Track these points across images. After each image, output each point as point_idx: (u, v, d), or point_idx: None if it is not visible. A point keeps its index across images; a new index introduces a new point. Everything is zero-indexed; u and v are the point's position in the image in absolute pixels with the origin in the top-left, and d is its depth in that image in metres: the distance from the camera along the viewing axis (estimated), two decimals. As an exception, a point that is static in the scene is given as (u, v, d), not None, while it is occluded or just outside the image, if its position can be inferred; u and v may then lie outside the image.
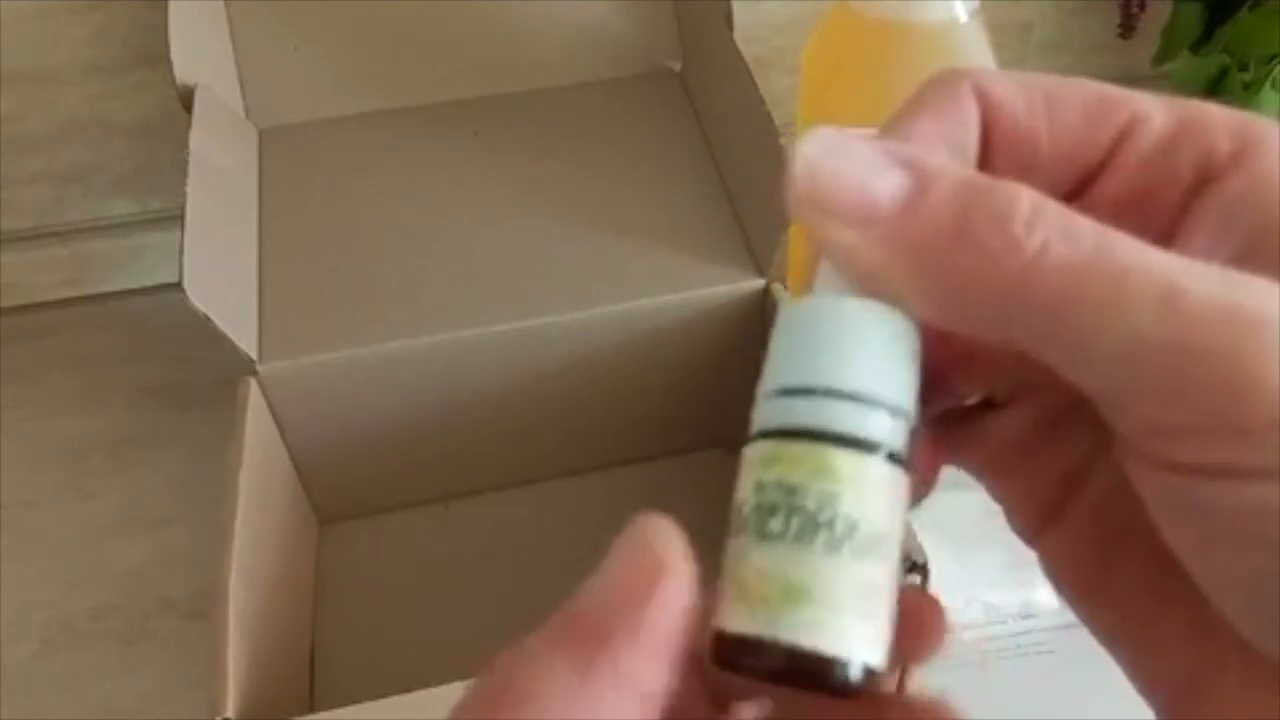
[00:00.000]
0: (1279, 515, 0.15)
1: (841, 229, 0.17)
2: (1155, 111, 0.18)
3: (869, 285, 0.18)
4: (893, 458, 0.18)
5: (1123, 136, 0.18)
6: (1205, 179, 0.18)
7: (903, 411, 0.18)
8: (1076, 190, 0.19)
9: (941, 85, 0.19)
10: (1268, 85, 0.58)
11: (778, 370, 0.19)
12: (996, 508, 0.21)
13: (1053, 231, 0.16)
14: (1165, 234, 0.18)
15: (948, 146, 0.19)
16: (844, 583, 0.17)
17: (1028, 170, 0.19)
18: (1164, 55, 0.63)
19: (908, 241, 0.17)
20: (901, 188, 0.17)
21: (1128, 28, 0.68)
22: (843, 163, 0.17)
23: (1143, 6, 0.67)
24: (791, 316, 0.19)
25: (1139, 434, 0.16)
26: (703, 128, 0.57)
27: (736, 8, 0.54)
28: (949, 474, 0.21)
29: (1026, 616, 0.47)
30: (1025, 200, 0.16)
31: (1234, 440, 0.15)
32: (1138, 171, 0.18)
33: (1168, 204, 0.18)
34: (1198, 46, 0.61)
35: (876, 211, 0.17)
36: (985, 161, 0.19)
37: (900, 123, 0.19)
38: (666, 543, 0.17)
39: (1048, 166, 0.19)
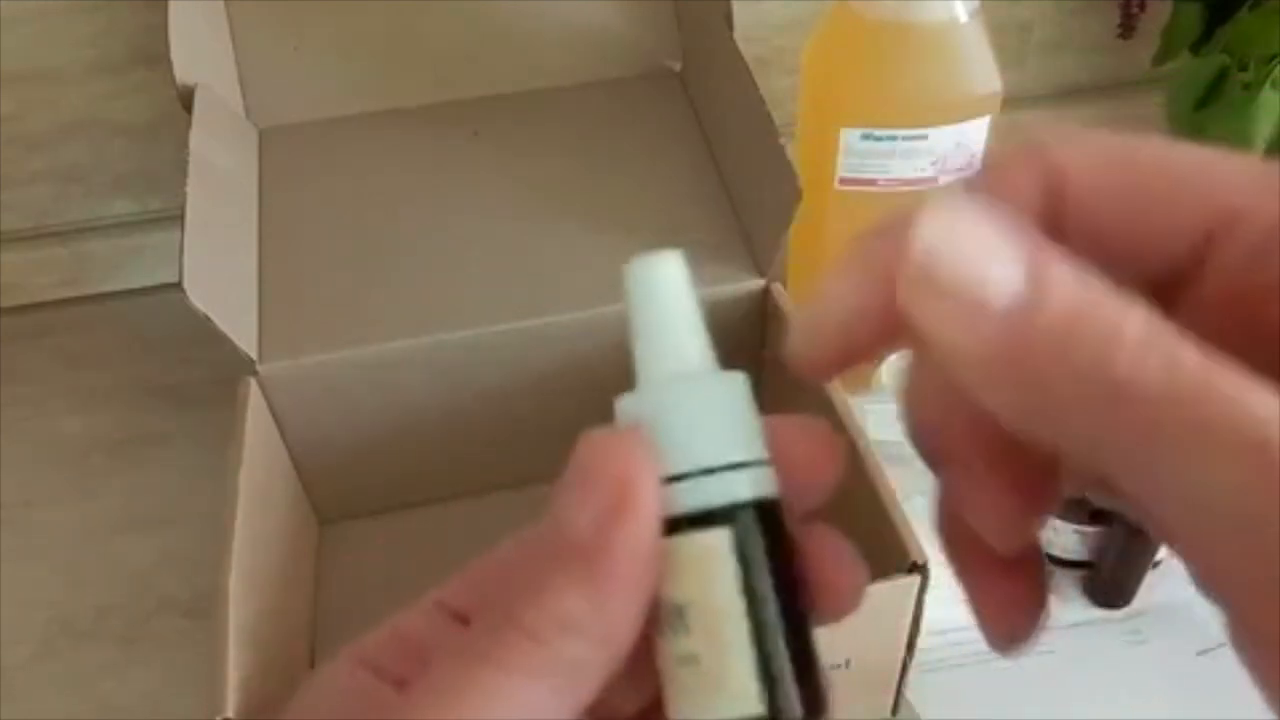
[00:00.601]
0: None
1: (948, 320, 0.16)
2: (1256, 201, 0.17)
3: (956, 375, 0.17)
4: (735, 512, 0.18)
5: (1221, 230, 0.17)
6: None
7: (723, 465, 0.18)
8: (1169, 282, 0.18)
9: (1009, 159, 0.18)
10: (1268, 85, 0.58)
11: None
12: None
13: (1155, 364, 0.15)
14: (1273, 339, 0.17)
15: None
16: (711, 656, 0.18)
17: (1106, 254, 0.18)
18: (1164, 55, 0.63)
19: (1012, 349, 0.16)
20: (1018, 287, 0.16)
21: (1128, 28, 0.68)
22: (963, 248, 0.16)
23: (1143, 6, 0.67)
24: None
25: (1205, 576, 0.16)
26: (703, 128, 0.57)
27: (736, 8, 0.54)
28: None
29: (1026, 616, 0.47)
30: (1135, 324, 0.15)
31: None
32: (1240, 273, 0.17)
33: (1275, 309, 0.17)
34: (1198, 46, 0.61)
35: (988, 311, 0.16)
36: (1064, 240, 0.18)
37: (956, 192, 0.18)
38: (633, 460, 0.18)
39: (1129, 253, 0.18)
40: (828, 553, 0.19)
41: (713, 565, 0.18)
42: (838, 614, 0.19)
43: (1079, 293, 0.16)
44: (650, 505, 0.17)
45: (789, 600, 0.18)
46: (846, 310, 0.19)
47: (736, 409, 0.19)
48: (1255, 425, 0.14)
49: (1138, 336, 0.15)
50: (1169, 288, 0.18)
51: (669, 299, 0.19)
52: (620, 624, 0.17)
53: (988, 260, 0.16)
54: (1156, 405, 0.15)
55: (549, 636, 0.17)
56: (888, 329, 0.18)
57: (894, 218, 0.18)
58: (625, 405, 0.19)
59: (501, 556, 0.21)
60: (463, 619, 0.20)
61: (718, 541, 0.18)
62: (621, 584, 0.17)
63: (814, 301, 0.19)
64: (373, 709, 0.19)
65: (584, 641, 0.17)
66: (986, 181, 0.18)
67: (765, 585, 0.18)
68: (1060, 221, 0.18)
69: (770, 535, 0.18)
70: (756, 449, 0.18)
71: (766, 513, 0.18)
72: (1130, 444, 0.15)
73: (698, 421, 0.18)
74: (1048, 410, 0.16)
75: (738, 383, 0.19)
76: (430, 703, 0.17)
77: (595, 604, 0.17)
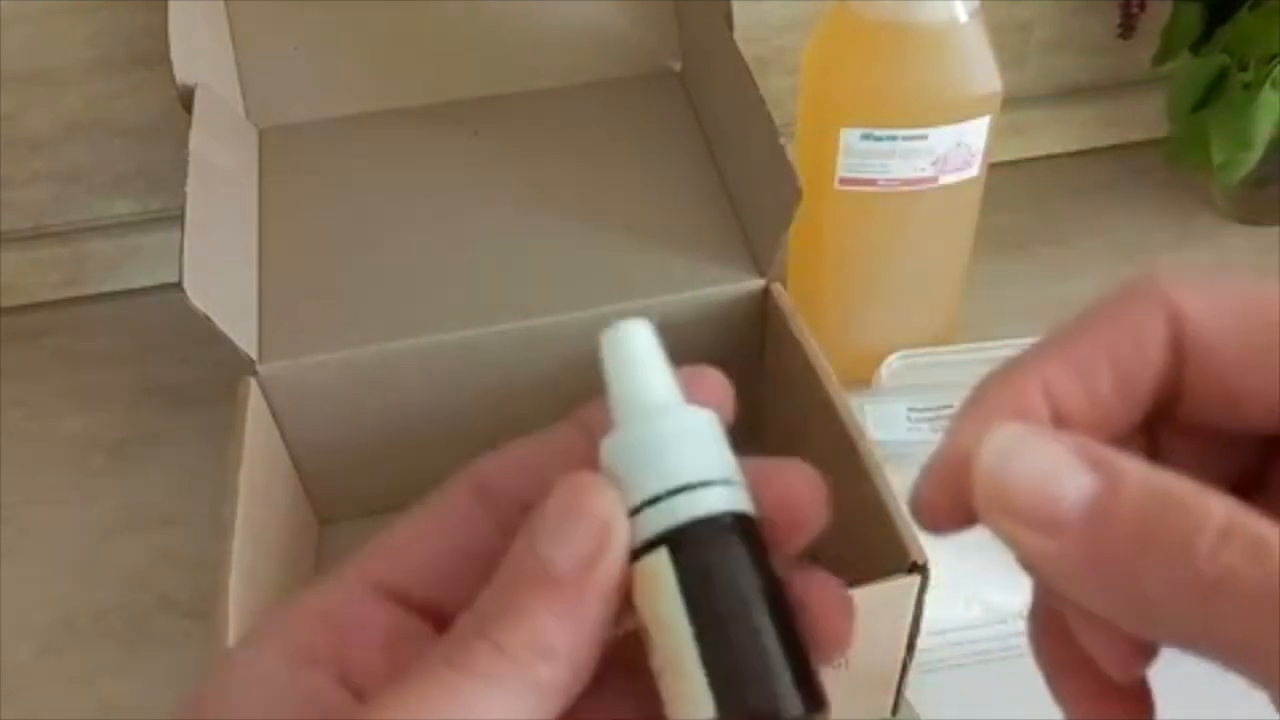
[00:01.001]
0: None
1: (1029, 534, 0.17)
2: None
3: (1044, 581, 0.18)
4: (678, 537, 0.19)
5: None
6: None
7: (666, 491, 0.19)
8: None
9: (1131, 296, 0.19)
10: (1268, 85, 0.58)
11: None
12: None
13: (1240, 556, 0.15)
14: None
15: (1113, 369, 0.18)
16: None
17: (1229, 406, 0.18)
18: (1164, 55, 0.63)
19: (1094, 555, 0.16)
20: (1089, 496, 0.16)
21: (1128, 28, 0.68)
22: (1030, 465, 0.17)
23: (1143, 6, 0.66)
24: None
25: None
26: (703, 128, 0.57)
27: (736, 8, 0.54)
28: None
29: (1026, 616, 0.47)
30: (1215, 518, 0.16)
31: None
32: None
33: None
34: (1198, 46, 0.61)
35: (1063, 521, 0.16)
36: (1178, 387, 0.18)
37: (1075, 336, 0.19)
38: (608, 503, 0.19)
39: (1253, 397, 0.18)
40: (817, 595, 0.20)
41: (656, 586, 0.19)
42: (829, 656, 0.20)
43: (1153, 489, 0.16)
44: (623, 548, 0.19)
45: (760, 603, 0.19)
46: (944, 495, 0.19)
47: (692, 435, 0.20)
48: None
49: (1219, 526, 0.15)
50: None
51: (638, 356, 0.21)
52: (590, 651, 0.18)
53: (1055, 469, 0.17)
54: (1248, 598, 0.15)
55: (529, 659, 0.18)
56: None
57: (978, 395, 0.19)
58: (605, 444, 0.20)
59: (442, 546, 0.21)
60: (403, 601, 0.20)
61: (658, 563, 0.19)
62: (595, 618, 0.18)
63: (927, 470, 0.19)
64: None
65: (555, 665, 0.18)
66: (1108, 318, 0.19)
67: (718, 594, 0.19)
68: (1181, 363, 0.18)
69: (727, 544, 0.19)
70: (706, 471, 0.19)
71: (724, 526, 0.19)
72: (1229, 636, 0.15)
73: (658, 453, 0.19)
74: (1141, 608, 0.16)
75: (700, 417, 0.20)
76: (389, 701, 0.18)
77: (571, 633, 0.18)
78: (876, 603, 0.38)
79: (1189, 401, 0.19)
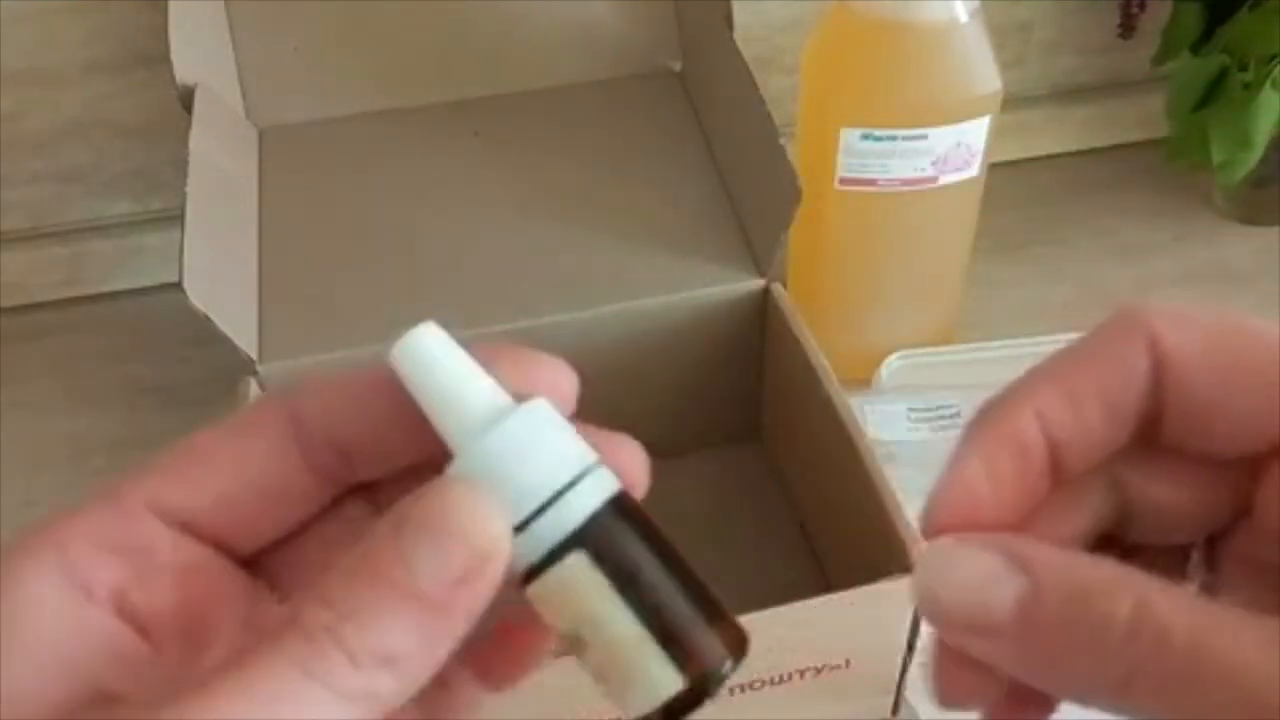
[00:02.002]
0: None
1: (968, 639, 0.19)
2: None
3: (986, 661, 0.19)
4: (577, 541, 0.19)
5: None
6: None
7: (550, 496, 0.19)
8: (1271, 451, 0.19)
9: (1116, 329, 0.20)
10: (1268, 85, 0.58)
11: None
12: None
13: (1147, 649, 0.17)
14: None
15: (1100, 397, 0.20)
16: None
17: (1206, 431, 0.20)
18: (1164, 55, 0.63)
19: (1025, 652, 0.18)
20: (1016, 601, 0.18)
21: (1128, 28, 0.68)
22: (960, 578, 0.19)
23: (1143, 6, 0.66)
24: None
25: None
26: (703, 128, 0.57)
27: (736, 8, 0.54)
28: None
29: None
30: (1122, 613, 0.17)
31: None
32: None
33: None
34: (1198, 46, 0.61)
35: (995, 627, 0.18)
36: (1158, 421, 0.20)
37: (1065, 366, 0.20)
38: (495, 527, 0.18)
39: (1229, 427, 0.20)
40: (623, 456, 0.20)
41: (579, 588, 0.19)
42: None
43: (1070, 589, 0.18)
44: (498, 577, 0.18)
45: (668, 566, 0.19)
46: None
47: (544, 436, 0.19)
48: (1248, 683, 0.16)
49: (1126, 622, 0.17)
50: (1270, 456, 0.20)
51: (442, 365, 0.20)
52: (432, 669, 0.18)
53: (985, 585, 0.18)
54: (1156, 688, 0.17)
55: (369, 666, 0.17)
56: None
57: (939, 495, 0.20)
58: (453, 475, 0.19)
59: (239, 474, 0.20)
60: (190, 530, 0.19)
61: (575, 566, 0.19)
62: (449, 639, 0.18)
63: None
64: (130, 671, 0.18)
65: (399, 678, 0.17)
66: (1096, 349, 0.20)
67: (639, 573, 0.19)
68: (1162, 394, 0.20)
69: (622, 526, 0.19)
70: (571, 465, 0.19)
71: (610, 509, 0.19)
72: (1147, 709, 0.17)
73: (517, 465, 0.19)
74: (1071, 691, 0.18)
75: (539, 410, 0.19)
76: (231, 691, 0.16)
77: (421, 650, 0.17)
78: (876, 603, 0.38)
79: (1171, 427, 0.20)
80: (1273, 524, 0.20)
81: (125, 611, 0.18)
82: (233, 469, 0.20)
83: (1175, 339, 0.19)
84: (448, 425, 0.19)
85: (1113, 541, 0.21)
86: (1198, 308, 0.20)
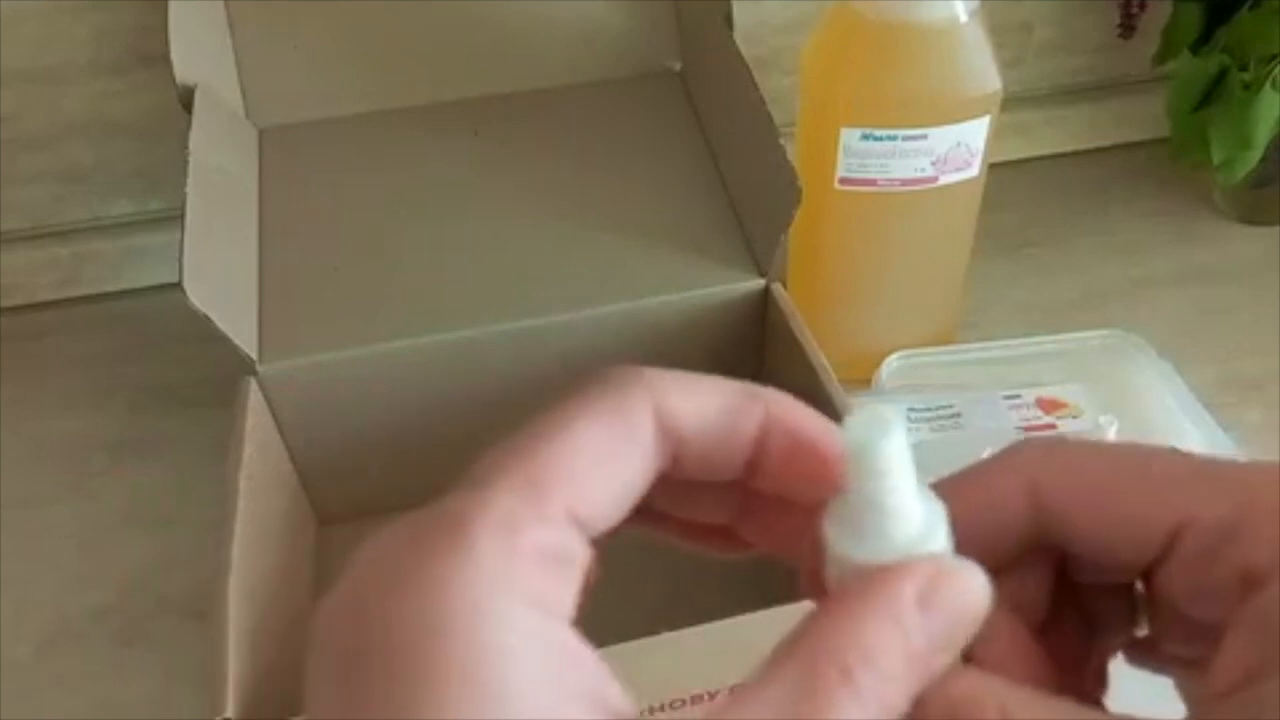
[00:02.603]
0: None
1: None
2: (1207, 507, 0.20)
3: None
4: None
5: (1180, 532, 0.20)
6: (1249, 585, 0.19)
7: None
8: (1148, 567, 0.21)
9: (994, 468, 0.21)
10: (1268, 85, 0.58)
11: None
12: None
13: None
14: (1216, 631, 0.19)
15: (980, 533, 0.20)
16: None
17: (1086, 549, 0.21)
18: (1164, 55, 0.63)
19: None
20: None
21: (1128, 28, 0.68)
22: None
23: (1143, 6, 0.67)
24: None
25: None
26: (703, 128, 0.57)
27: (736, 8, 0.54)
28: (949, 474, 0.21)
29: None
30: (991, 714, 0.18)
31: None
32: (1195, 568, 0.20)
33: (1215, 604, 0.20)
34: (1198, 46, 0.61)
35: None
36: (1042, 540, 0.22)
37: (948, 497, 0.20)
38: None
39: (1105, 548, 0.21)
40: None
41: None
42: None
43: (942, 701, 0.19)
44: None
45: None
46: None
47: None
48: None
49: None
50: (1150, 569, 0.21)
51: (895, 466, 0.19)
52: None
53: None
54: None
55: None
56: None
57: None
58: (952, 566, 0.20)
59: (619, 475, 0.19)
60: (588, 535, 0.19)
61: None
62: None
63: None
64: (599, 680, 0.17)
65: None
66: (975, 491, 0.21)
67: None
68: (1045, 521, 0.21)
69: None
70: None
71: None
72: None
73: None
74: None
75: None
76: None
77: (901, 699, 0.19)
78: (876, 603, 0.38)
79: (1065, 554, 0.21)
80: (1178, 593, 0.20)
81: (570, 621, 0.18)
82: (609, 468, 0.19)
83: (1046, 477, 0.21)
84: (892, 531, 0.19)
85: (1064, 581, 0.22)
86: (1073, 441, 0.21)
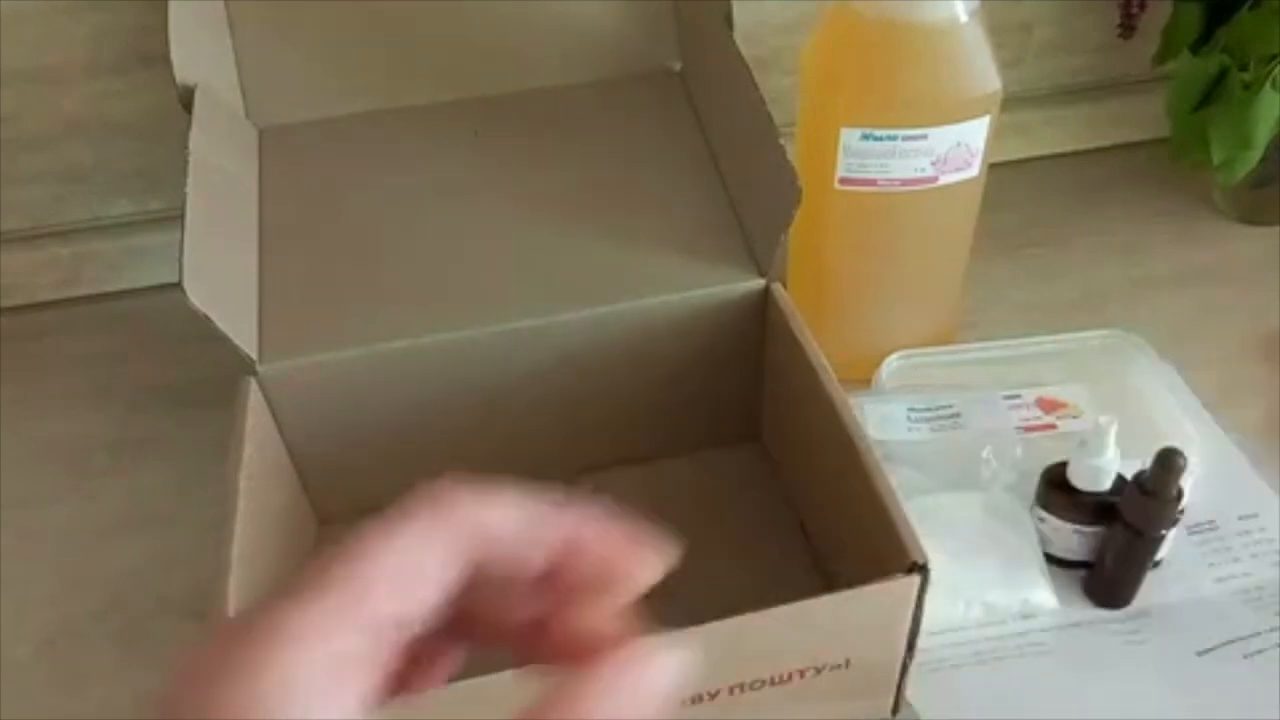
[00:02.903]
0: None
1: None
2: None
3: None
4: None
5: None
6: None
7: None
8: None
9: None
10: (1268, 85, 0.58)
11: None
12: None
13: None
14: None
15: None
16: None
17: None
18: (1164, 55, 0.63)
19: None
20: None
21: (1128, 28, 0.68)
22: None
23: (1143, 6, 0.67)
24: None
25: None
26: (703, 128, 0.57)
27: (736, 8, 0.54)
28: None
29: (1026, 616, 0.47)
30: None
31: None
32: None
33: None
34: (1198, 46, 0.61)
35: None
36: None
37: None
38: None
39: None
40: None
41: None
42: None
43: None
44: None
45: None
46: None
47: None
48: None
49: None
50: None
51: None
52: None
53: None
54: None
55: None
56: None
57: None
58: None
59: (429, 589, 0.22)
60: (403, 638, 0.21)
61: None
62: None
63: None
64: None
65: None
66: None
67: None
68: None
69: None
70: None
71: None
72: None
73: None
74: None
75: None
76: None
77: None
78: (876, 603, 0.38)
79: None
80: None
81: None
82: (431, 579, 0.22)
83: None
84: None
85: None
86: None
